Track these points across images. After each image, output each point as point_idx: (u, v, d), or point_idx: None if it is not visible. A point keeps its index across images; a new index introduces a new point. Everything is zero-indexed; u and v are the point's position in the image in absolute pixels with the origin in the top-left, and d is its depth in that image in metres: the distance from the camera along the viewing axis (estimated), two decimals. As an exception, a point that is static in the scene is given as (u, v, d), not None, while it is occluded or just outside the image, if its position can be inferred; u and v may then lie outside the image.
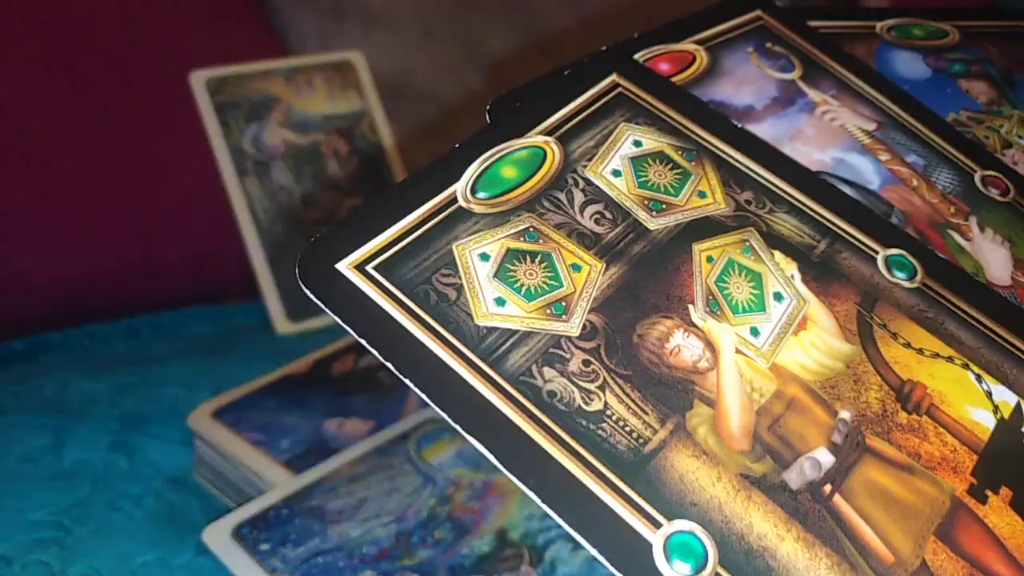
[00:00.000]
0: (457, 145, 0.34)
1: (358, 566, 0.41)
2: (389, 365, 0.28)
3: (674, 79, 0.39)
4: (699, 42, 0.40)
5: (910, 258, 0.34)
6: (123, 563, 0.44)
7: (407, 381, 0.28)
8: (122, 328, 0.68)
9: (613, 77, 0.37)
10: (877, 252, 0.34)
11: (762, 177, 0.35)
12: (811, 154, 0.38)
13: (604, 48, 0.39)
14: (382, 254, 0.30)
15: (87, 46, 0.68)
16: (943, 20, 0.47)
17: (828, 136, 0.39)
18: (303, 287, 0.29)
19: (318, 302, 0.29)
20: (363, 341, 0.28)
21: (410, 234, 0.31)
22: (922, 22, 0.46)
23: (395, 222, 0.31)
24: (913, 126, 0.41)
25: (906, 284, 0.34)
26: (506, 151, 0.34)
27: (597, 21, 0.96)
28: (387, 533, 0.43)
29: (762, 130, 0.38)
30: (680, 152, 0.36)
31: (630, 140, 0.36)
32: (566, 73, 0.37)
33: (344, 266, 0.30)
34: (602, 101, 0.36)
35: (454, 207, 0.32)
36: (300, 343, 0.65)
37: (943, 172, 0.40)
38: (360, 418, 0.53)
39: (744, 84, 0.40)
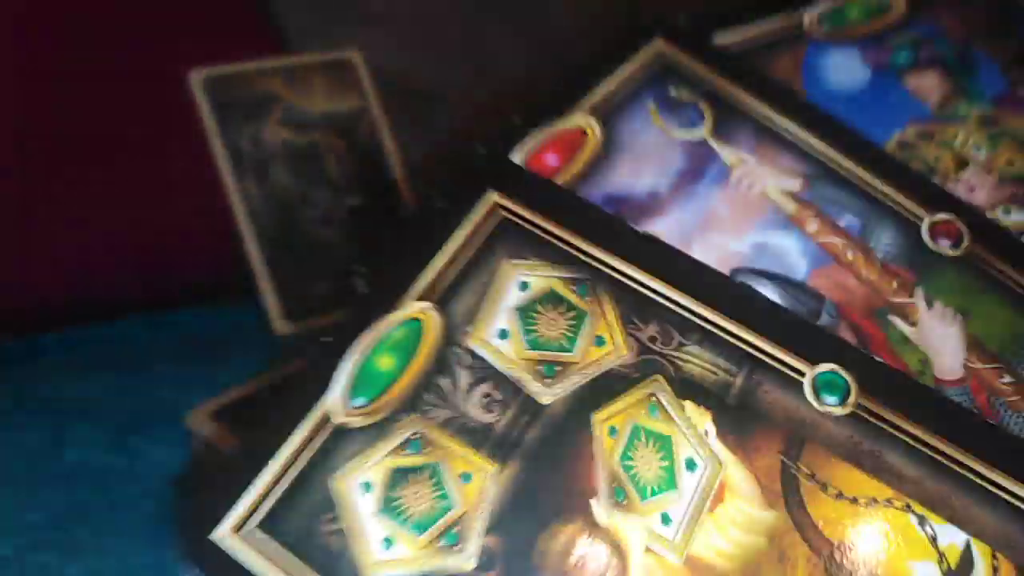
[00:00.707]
0: (322, 340, 0.30)
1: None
2: None
3: (564, 170, 0.34)
4: (592, 109, 0.36)
5: (842, 373, 0.30)
6: (121, 564, 0.44)
7: None
8: (120, 329, 0.68)
9: (493, 198, 0.33)
10: (804, 374, 0.30)
11: (669, 300, 0.31)
12: (727, 245, 0.34)
13: (479, 151, 0.34)
14: (261, 507, 0.28)
15: (85, 44, 0.68)
16: (886, -15, 0.39)
17: (745, 214, 0.35)
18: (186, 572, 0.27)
19: None
20: None
21: (285, 476, 0.28)
22: None
23: (266, 465, 0.28)
24: (847, 171, 0.35)
25: (837, 412, 0.30)
26: (379, 337, 0.30)
27: (597, 16, 0.96)
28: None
29: (669, 223, 0.34)
30: (572, 286, 0.31)
31: (516, 283, 0.31)
32: (437, 208, 0.33)
33: (225, 531, 0.27)
34: (481, 238, 0.32)
35: (328, 430, 0.29)
36: (299, 343, 0.65)
37: (883, 232, 0.35)
38: (359, 419, 0.52)
39: (645, 159, 0.35)
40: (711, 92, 0.36)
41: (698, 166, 0.35)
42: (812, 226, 0.34)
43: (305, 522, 0.28)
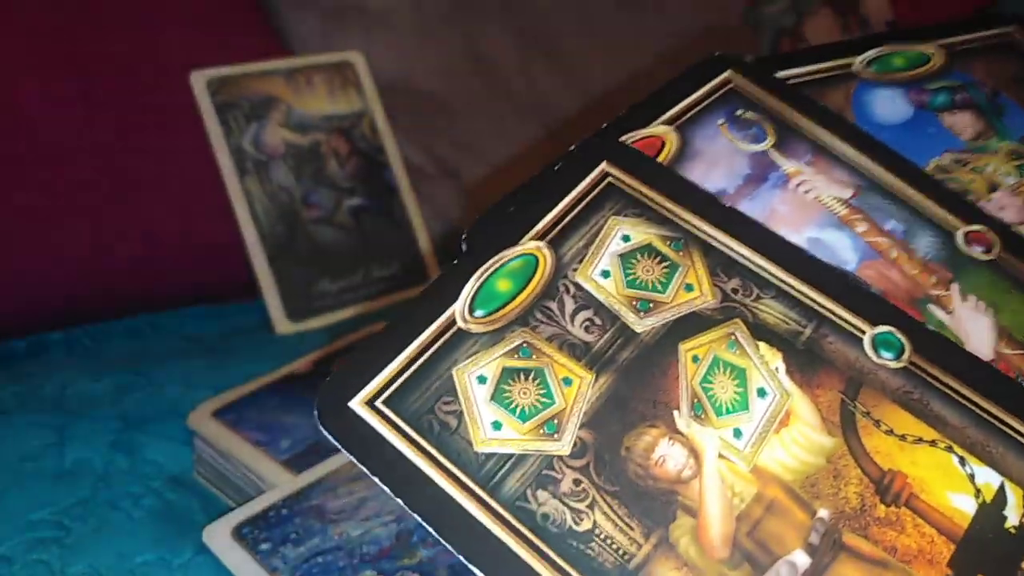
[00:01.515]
0: (455, 261, 0.35)
1: (358, 565, 0.41)
2: (400, 502, 0.31)
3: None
4: (669, 121, 0.40)
5: (898, 335, 0.34)
6: (123, 562, 0.44)
7: (417, 517, 0.30)
8: (123, 328, 0.68)
9: (603, 166, 0.38)
10: (864, 332, 0.34)
11: (750, 261, 0.36)
12: (786, 237, 0.38)
13: (594, 134, 0.39)
14: (389, 387, 0.32)
15: (89, 46, 0.68)
16: (928, 41, 0.46)
17: (802, 213, 0.39)
18: (321, 428, 0.32)
19: (336, 443, 0.31)
20: (376, 479, 0.31)
21: (414, 363, 0.33)
22: (903, 48, 0.45)
23: (399, 352, 0.33)
24: (892, 186, 0.40)
25: (892, 365, 0.34)
26: (500, 263, 0.35)
27: (594, 20, 0.96)
28: (387, 532, 0.43)
29: (736, 216, 0.39)
30: (668, 243, 0.36)
31: (619, 235, 0.36)
32: (556, 168, 0.38)
33: (356, 403, 0.32)
34: (592, 195, 0.37)
35: (453, 330, 0.34)
36: (300, 343, 0.65)
37: (923, 236, 0.39)
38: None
39: (715, 165, 0.40)
40: (774, 115, 0.42)
41: (761, 172, 0.40)
42: (861, 227, 0.39)
43: (427, 403, 0.32)
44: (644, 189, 0.37)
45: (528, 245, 0.35)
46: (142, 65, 0.70)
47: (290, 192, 0.72)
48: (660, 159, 0.39)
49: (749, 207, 0.39)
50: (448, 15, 0.87)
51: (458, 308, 0.34)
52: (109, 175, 0.66)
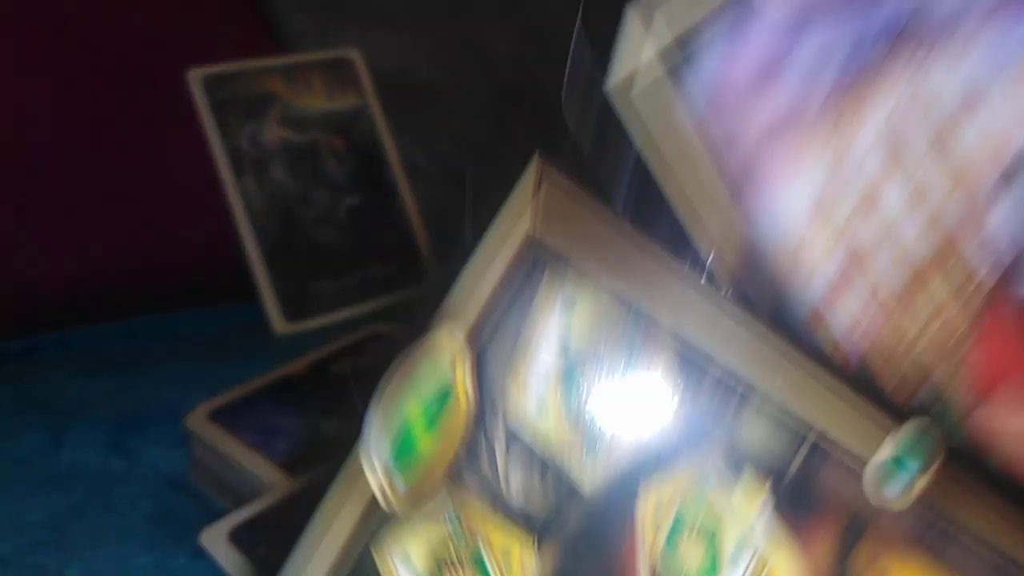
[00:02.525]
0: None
1: (355, 569, 0.41)
2: None
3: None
4: None
5: (924, 440, 0.27)
6: (119, 565, 0.44)
7: None
8: (119, 329, 0.68)
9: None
10: (870, 455, 0.27)
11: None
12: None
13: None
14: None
15: (84, 43, 0.68)
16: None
17: None
18: None
19: None
20: None
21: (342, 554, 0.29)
22: None
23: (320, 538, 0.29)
24: None
25: (903, 497, 0.27)
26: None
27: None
28: (385, 536, 0.43)
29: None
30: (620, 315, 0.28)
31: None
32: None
33: None
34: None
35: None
36: (298, 344, 0.65)
37: None
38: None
39: None
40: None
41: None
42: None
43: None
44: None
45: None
46: (139, 62, 0.70)
47: (288, 190, 0.72)
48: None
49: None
50: (447, 12, 0.87)
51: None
52: (105, 174, 0.66)
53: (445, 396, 0.28)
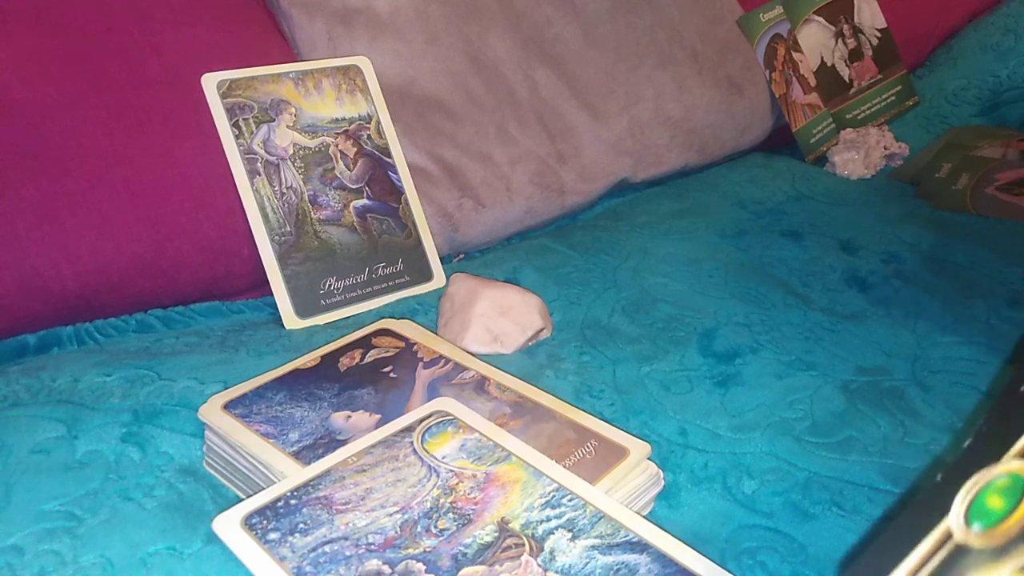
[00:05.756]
0: (939, 478, 0.34)
1: (364, 554, 0.42)
2: None
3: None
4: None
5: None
6: (134, 552, 0.44)
7: None
8: (134, 323, 0.68)
9: None
10: None
11: None
12: None
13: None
14: None
15: (101, 49, 0.69)
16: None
17: None
18: None
19: None
20: None
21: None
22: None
23: (904, 559, 0.31)
24: None
25: None
26: (988, 481, 0.33)
27: (595, 25, 0.97)
28: (392, 523, 0.44)
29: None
30: None
31: None
32: None
33: None
34: None
35: (951, 544, 0.32)
36: (308, 338, 0.66)
37: None
38: (367, 411, 0.53)
39: None
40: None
41: None
42: None
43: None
44: None
45: (1011, 464, 0.32)
46: (154, 68, 0.71)
47: (299, 192, 0.73)
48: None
49: None
50: (452, 21, 0.88)
51: (953, 522, 0.32)
52: (122, 175, 0.67)
53: (1011, 476, 0.32)
